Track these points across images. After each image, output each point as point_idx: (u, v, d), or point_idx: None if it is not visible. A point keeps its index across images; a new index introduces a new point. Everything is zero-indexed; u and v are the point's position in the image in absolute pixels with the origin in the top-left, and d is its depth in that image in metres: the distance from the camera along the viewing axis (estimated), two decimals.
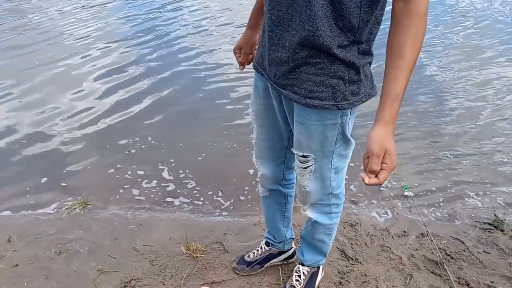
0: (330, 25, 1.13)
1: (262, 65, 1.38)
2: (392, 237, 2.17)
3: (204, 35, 5.27)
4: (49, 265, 2.05)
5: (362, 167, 1.16)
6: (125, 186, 2.70)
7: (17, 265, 2.05)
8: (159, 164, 2.89)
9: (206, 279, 1.92)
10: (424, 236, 2.18)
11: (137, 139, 3.16)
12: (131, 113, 3.57)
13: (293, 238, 1.95)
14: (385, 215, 2.36)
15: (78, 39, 5.16)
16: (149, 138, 3.17)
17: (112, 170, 2.85)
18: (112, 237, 2.24)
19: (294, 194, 1.78)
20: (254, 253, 1.96)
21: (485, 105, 3.59)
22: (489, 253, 2.04)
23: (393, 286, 1.84)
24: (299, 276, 1.80)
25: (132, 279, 1.94)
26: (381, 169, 1.12)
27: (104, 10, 6.03)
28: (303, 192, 1.52)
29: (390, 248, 2.09)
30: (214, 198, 2.60)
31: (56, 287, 1.92)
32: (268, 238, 1.94)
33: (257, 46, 1.53)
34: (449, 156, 2.91)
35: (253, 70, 1.48)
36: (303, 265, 1.82)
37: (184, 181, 2.74)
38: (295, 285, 1.78)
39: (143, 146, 3.08)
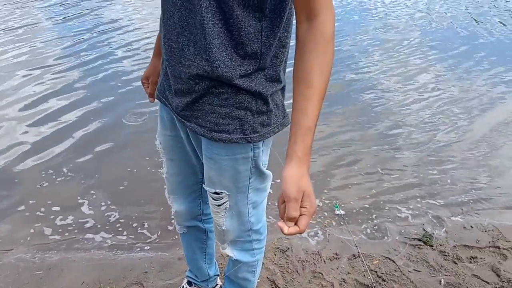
0: (229, 54, 1.01)
1: (164, 95, 1.24)
2: (324, 261, 2.08)
3: (138, 58, 4.93)
4: None
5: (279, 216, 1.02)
6: (36, 225, 2.40)
7: None
8: (77, 197, 2.62)
9: None
10: (355, 258, 2.11)
11: (51, 171, 2.86)
12: (45, 141, 3.25)
13: (217, 275, 1.79)
14: (317, 237, 2.27)
15: None
16: (64, 170, 2.88)
17: (22, 208, 2.54)
18: (14, 287, 1.96)
19: None
20: None
21: (415, 120, 3.66)
22: (419, 271, 2.01)
23: None
24: None
25: None
26: (300, 215, 0.95)
27: (29, 33, 5.54)
28: (220, 231, 1.37)
29: (322, 274, 1.99)
30: (139, 231, 2.38)
31: None
32: (190, 277, 1.77)
33: None
34: (380, 171, 2.90)
35: None
36: None
37: (105, 214, 2.49)
38: None
39: (58, 179, 2.79)
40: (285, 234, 0.95)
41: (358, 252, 2.13)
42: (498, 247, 2.19)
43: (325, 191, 2.68)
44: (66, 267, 2.08)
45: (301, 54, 0.98)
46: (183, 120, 1.17)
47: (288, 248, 2.15)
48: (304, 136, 0.96)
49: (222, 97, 1.08)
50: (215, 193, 1.27)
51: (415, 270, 2.02)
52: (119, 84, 4.15)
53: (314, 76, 0.96)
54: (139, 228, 2.39)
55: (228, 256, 1.51)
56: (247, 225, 1.37)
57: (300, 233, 0.97)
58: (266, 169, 1.26)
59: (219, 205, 1.30)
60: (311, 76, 0.97)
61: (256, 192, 1.29)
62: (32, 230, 2.36)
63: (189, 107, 1.13)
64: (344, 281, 1.94)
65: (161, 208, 2.53)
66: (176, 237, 2.34)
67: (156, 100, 1.34)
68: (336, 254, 2.13)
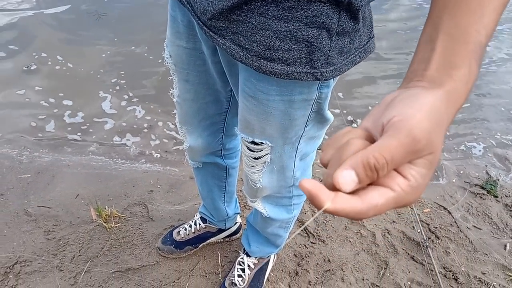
0: None
1: None
2: None
3: None
4: None
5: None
6: (25, 115, 2.02)
7: None
8: (80, 87, 2.19)
9: (119, 263, 1.43)
10: None
11: (44, 54, 2.37)
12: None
13: (238, 213, 1.45)
14: None
15: None
16: (59, 58, 2.39)
17: (6, 95, 2.13)
18: None
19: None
20: (186, 229, 1.47)
21: None
22: (481, 229, 1.66)
23: (363, 279, 1.44)
24: (243, 270, 1.34)
25: (17, 262, 1.42)
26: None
27: None
28: (251, 186, 0.98)
29: (361, 220, 1.65)
30: (146, 137, 2.00)
31: None
32: (205, 214, 1.43)
33: None
34: None
35: None
36: (248, 255, 1.35)
37: (110, 111, 2.09)
38: (237, 282, 1.33)
39: (48, 62, 2.32)
40: (327, 210, 0.35)
41: None
42: None
43: None
44: (58, 172, 1.75)
45: None
46: (212, 33, 0.68)
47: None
48: (471, 59, 0.42)
49: (284, 5, 0.60)
50: (253, 143, 0.85)
51: (475, 226, 1.67)
52: None
53: None
54: (147, 134, 2.01)
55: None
56: (290, 181, 0.99)
57: (363, 217, 0.36)
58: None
59: (256, 158, 0.89)
60: None
61: (308, 142, 0.89)
62: (20, 122, 1.99)
63: (225, 15, 0.64)
64: (388, 232, 1.60)
65: (173, 111, 2.12)
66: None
67: None
68: None
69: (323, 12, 0.60)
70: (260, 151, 0.86)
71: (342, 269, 1.45)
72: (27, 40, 2.47)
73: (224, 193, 1.31)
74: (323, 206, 0.33)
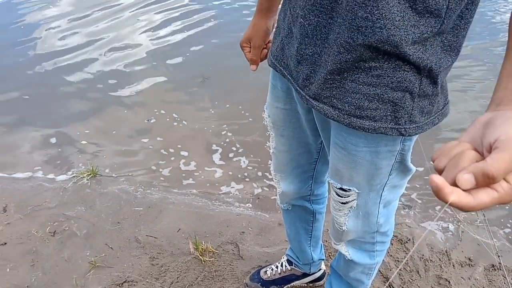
0: (403, 9, 0.66)
1: (283, 63, 0.92)
2: (453, 265, 1.69)
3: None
4: (39, 248, 1.79)
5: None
6: (141, 160, 2.36)
7: (5, 243, 1.81)
8: (177, 143, 2.51)
9: None
10: (495, 270, 1.68)
11: (162, 111, 2.78)
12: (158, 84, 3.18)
13: (323, 259, 1.53)
14: (447, 232, 1.86)
15: None
16: (175, 115, 2.78)
17: (130, 141, 2.51)
18: (114, 220, 1.94)
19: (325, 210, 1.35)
20: (272, 269, 1.58)
21: None
22: None
23: None
24: None
25: (126, 281, 1.64)
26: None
27: None
28: (337, 229, 1.08)
29: (449, 282, 1.62)
30: (240, 185, 2.20)
31: (40, 278, 1.66)
32: (291, 257, 1.54)
33: (272, 36, 1.07)
34: None
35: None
36: None
37: (205, 162, 2.35)
38: None
39: (163, 120, 2.71)
40: (448, 201, 0.46)
41: (500, 264, 1.69)
42: None
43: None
44: (165, 208, 2.00)
45: None
46: (308, 97, 0.85)
47: (409, 240, 1.79)
48: None
49: (373, 73, 0.75)
50: (342, 189, 0.97)
51: None
52: None
53: None
54: (241, 182, 2.21)
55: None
56: (374, 227, 1.07)
57: (471, 210, 0.47)
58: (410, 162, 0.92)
59: (344, 203, 1.00)
60: None
61: (391, 190, 0.98)
62: (136, 164, 2.33)
63: (321, 83, 0.80)
64: None
65: (262, 165, 2.32)
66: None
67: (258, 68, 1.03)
68: (469, 259, 1.72)
69: (406, 79, 0.74)
70: (347, 196, 0.98)
71: None
72: (147, 98, 2.91)
73: (311, 237, 1.42)
74: (449, 197, 0.44)
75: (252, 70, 1.14)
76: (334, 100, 0.79)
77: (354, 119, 0.79)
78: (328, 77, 0.78)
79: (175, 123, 2.63)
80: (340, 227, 1.05)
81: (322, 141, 1.07)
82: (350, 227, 1.04)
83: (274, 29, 1.02)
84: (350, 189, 0.95)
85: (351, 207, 0.99)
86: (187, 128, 2.59)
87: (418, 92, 0.76)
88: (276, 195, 1.35)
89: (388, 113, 0.78)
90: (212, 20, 4.00)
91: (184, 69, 3.26)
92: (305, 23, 0.78)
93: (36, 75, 3.20)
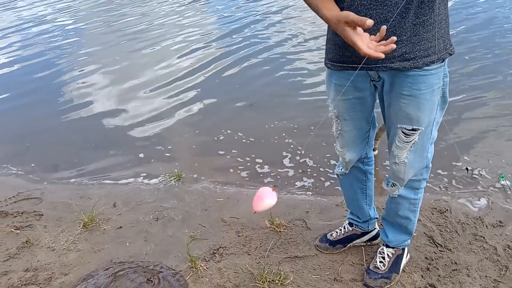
0: None
1: (343, 59, 1.37)
2: (486, 226, 2.04)
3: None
4: (148, 229, 2.27)
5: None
6: (216, 163, 2.87)
7: (121, 227, 2.30)
8: (247, 152, 3.01)
9: (288, 253, 1.99)
10: None
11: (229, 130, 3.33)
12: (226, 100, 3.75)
13: (376, 218, 1.93)
14: (478, 204, 2.22)
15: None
16: (240, 134, 3.30)
17: (205, 148, 3.04)
18: (202, 208, 2.41)
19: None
20: (337, 232, 1.98)
21: None
22: None
23: (486, 276, 1.75)
24: (383, 258, 1.78)
25: (220, 247, 2.08)
26: None
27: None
28: (397, 168, 1.50)
29: (484, 237, 1.97)
30: (297, 178, 2.64)
31: (154, 248, 2.12)
32: (351, 219, 1.94)
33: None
34: None
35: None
36: (387, 246, 1.80)
37: (268, 162, 2.82)
38: (379, 267, 1.77)
39: (235, 137, 3.24)
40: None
41: None
42: None
43: (490, 160, 2.56)
44: (241, 198, 2.46)
45: None
46: (383, 65, 1.28)
47: (447, 210, 2.16)
48: None
49: (426, 23, 1.23)
50: (413, 129, 1.39)
51: None
52: None
53: None
54: (297, 176, 2.65)
55: (387, 198, 1.66)
56: (425, 161, 1.51)
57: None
58: None
59: (408, 142, 1.42)
60: None
61: (436, 126, 1.44)
62: (212, 167, 2.83)
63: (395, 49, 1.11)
64: (508, 247, 1.89)
65: (317, 163, 2.76)
66: (331, 186, 2.53)
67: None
68: (500, 221, 2.07)
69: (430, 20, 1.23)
70: (413, 135, 1.40)
71: (467, 269, 1.79)
72: (211, 120, 3.46)
73: (366, 196, 1.83)
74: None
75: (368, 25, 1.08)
76: (406, 55, 1.25)
77: (425, 58, 1.25)
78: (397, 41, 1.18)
79: (243, 140, 3.14)
80: (402, 161, 1.46)
81: (373, 113, 1.54)
82: (411, 159, 1.45)
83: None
84: (418, 128, 1.38)
85: (414, 143, 1.41)
86: (253, 142, 3.10)
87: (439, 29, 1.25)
88: (332, 169, 1.79)
89: (441, 46, 1.27)
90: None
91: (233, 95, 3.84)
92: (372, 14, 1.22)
93: None
